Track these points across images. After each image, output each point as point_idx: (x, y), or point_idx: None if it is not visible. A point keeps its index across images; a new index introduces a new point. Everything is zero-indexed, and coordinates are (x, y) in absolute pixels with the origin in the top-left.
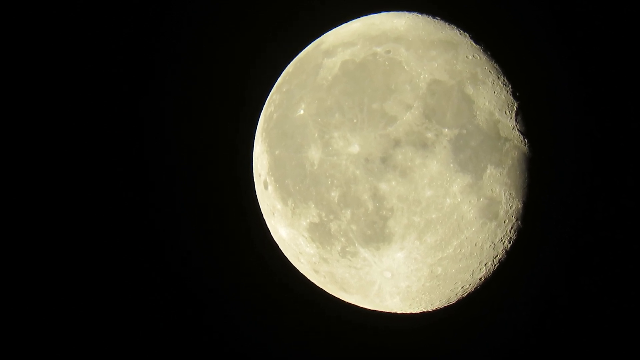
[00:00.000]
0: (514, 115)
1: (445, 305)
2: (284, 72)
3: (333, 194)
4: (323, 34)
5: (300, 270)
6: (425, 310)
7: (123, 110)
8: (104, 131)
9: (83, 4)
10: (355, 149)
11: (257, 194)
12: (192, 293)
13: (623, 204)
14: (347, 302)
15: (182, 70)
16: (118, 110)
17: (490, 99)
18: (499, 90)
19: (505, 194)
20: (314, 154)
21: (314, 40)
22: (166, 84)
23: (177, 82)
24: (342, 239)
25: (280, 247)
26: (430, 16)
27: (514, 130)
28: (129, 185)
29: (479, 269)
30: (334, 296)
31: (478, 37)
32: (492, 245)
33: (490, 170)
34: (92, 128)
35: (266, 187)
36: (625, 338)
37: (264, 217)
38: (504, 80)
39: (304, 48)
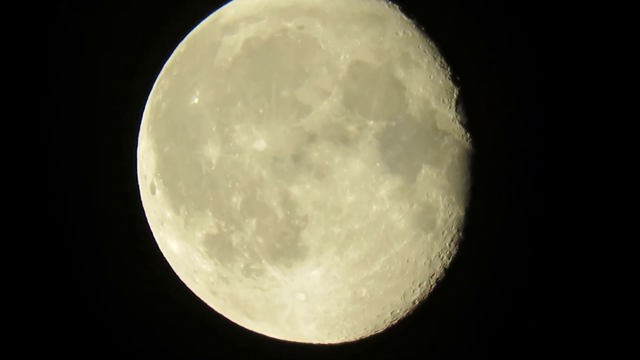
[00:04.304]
0: (454, 104)
1: (372, 334)
2: (174, 52)
3: (235, 199)
4: (222, 5)
5: (195, 292)
6: (347, 340)
7: None
8: None
9: None
10: (261, 145)
11: (142, 199)
12: (69, 314)
13: (580, 208)
14: (252, 331)
15: (54, 54)
16: None
17: (425, 84)
18: (436, 74)
19: (444, 200)
20: (212, 151)
21: (210, 13)
22: (37, 69)
23: (50, 65)
24: (246, 254)
25: (170, 263)
26: None
27: (453, 122)
28: None
29: (412, 290)
30: (236, 323)
31: (410, 9)
32: (428, 261)
33: (425, 170)
34: None
35: (153, 192)
36: None
37: (151, 227)
38: (441, 62)
39: (198, 23)
